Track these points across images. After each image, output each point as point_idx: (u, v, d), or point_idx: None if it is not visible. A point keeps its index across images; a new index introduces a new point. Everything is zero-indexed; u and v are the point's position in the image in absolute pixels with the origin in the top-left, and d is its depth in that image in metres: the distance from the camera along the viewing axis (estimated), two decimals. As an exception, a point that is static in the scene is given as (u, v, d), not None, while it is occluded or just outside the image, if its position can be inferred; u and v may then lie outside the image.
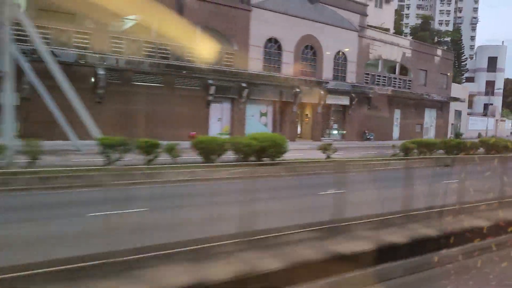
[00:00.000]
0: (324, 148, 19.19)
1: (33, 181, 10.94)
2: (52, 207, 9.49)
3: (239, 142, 16.24)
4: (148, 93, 23.60)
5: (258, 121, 29.57)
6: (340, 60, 34.22)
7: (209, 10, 26.03)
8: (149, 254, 5.28)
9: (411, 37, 51.39)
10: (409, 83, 41.33)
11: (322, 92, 31.84)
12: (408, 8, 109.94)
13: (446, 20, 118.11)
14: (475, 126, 57.91)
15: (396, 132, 40.59)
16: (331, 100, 33.04)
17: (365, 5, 35.84)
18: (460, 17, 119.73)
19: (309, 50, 31.89)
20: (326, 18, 32.35)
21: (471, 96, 63.82)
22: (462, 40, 68.09)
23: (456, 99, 47.14)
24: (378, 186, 10.74)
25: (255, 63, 28.28)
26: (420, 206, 8.14)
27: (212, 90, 25.75)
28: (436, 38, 59.20)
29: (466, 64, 67.72)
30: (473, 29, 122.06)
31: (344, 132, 35.41)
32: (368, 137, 36.26)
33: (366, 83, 36.40)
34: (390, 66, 40.29)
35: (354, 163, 16.31)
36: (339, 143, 26.78)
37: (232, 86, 27.00)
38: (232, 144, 16.21)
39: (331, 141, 23.98)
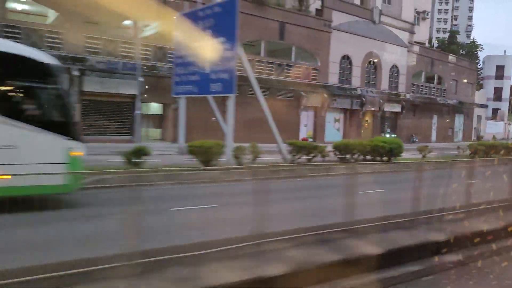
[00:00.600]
0: (421, 150, 23.92)
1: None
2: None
3: (367, 144, 20.87)
4: (256, 103, 28.09)
5: (332, 127, 34.28)
6: (394, 73, 39.17)
7: (301, 33, 30.69)
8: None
9: (439, 49, 56.70)
10: (444, 92, 46.48)
11: (381, 101, 36.70)
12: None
13: (443, 28, 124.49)
14: (490, 130, 63.49)
15: (434, 136, 45.65)
16: (387, 107, 37.93)
17: (413, 24, 40.90)
18: (455, 25, 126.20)
19: (371, 65, 36.77)
20: (384, 37, 37.26)
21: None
22: (477, 52, 73.84)
23: (482, 106, 52.52)
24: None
25: (333, 77, 33.01)
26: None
27: (304, 100, 30.41)
28: (461, 50, 64.78)
29: (481, 73, 73.35)
30: (468, 36, 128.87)
31: (395, 135, 40.26)
32: (414, 140, 41.18)
33: (413, 92, 41.39)
34: (429, 77, 45.38)
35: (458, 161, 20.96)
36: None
37: (316, 97, 31.68)
38: (362, 146, 20.84)
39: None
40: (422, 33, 49.45)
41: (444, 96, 46.27)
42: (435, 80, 45.68)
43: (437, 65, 45.32)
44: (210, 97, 18.96)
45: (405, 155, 22.91)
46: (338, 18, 32.99)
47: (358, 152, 20.34)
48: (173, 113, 24.46)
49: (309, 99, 31.03)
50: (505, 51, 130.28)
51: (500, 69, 77.26)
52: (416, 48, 41.82)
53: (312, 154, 19.04)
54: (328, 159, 19.54)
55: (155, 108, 27.36)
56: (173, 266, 4.62)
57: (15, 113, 7.93)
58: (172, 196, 10.27)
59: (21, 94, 8.34)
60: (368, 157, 20.70)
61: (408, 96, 39.62)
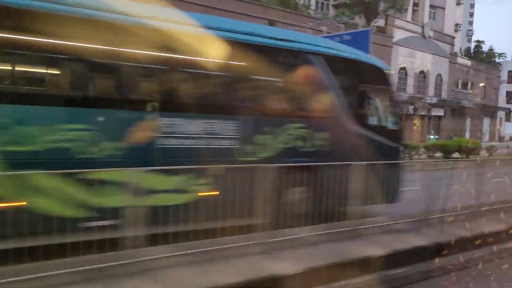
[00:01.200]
0: (488, 149, 28.41)
1: None
2: None
3: (456, 144, 25.28)
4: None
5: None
6: (438, 81, 43.81)
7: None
8: None
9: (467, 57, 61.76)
10: (475, 96, 51.27)
11: (429, 106, 41.29)
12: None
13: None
14: (508, 131, 68.49)
15: (467, 136, 50.33)
16: (433, 112, 42.54)
17: (453, 37, 45.60)
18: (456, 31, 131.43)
19: (422, 74, 41.37)
20: (432, 49, 41.87)
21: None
22: (494, 59, 79.02)
23: (504, 109, 57.45)
24: None
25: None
26: None
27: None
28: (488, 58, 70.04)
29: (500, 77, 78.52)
30: (469, 41, 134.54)
31: (437, 137, 44.88)
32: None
33: (452, 97, 46.09)
34: (464, 83, 50.15)
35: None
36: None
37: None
38: (453, 146, 25.20)
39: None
40: (456, 43, 54.27)
41: (475, 100, 51.02)
42: (469, 86, 50.44)
43: (470, 73, 50.08)
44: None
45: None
46: (397, 34, 37.51)
47: (449, 151, 24.81)
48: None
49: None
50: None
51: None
52: (455, 58, 46.53)
53: (413, 153, 23.53)
54: (423, 157, 23.98)
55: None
56: None
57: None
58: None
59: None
60: (455, 155, 25.17)
61: (449, 101, 44.27)
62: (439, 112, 43.60)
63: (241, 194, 5.33)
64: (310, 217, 6.04)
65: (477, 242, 6.33)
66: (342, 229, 5.96)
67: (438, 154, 24.42)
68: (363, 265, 5.15)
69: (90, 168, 4.98)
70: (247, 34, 6.74)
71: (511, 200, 8.69)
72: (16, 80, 5.19)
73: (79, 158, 5.13)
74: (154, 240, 4.75)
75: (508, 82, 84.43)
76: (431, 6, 43.41)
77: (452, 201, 7.30)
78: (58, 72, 5.51)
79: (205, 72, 6.27)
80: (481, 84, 52.51)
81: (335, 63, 7.48)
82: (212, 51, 5.86)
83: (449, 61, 45.06)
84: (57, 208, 4.78)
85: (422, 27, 40.33)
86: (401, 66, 38.63)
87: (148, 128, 5.47)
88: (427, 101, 40.71)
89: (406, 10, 38.33)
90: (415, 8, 42.32)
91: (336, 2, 39.83)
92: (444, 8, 44.51)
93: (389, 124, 8.43)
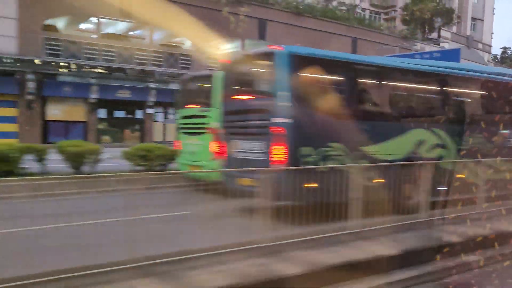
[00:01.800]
0: None
1: None
2: None
3: None
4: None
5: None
6: (478, 86, 48.06)
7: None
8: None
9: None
10: (507, 100, 55.51)
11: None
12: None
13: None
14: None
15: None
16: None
17: (490, 46, 49.93)
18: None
19: (466, 81, 45.59)
20: (473, 58, 46.09)
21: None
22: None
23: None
24: None
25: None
26: None
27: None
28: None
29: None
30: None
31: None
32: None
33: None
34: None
35: None
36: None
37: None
38: None
39: None
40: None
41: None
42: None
43: (503, 78, 54.38)
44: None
45: None
46: (446, 45, 41.76)
47: None
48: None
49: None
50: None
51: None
52: (492, 65, 50.83)
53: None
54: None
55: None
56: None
57: None
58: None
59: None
60: None
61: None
62: (480, 114, 47.85)
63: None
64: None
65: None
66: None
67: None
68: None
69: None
70: (488, 74, 10.82)
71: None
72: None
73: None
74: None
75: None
76: (472, 19, 47.70)
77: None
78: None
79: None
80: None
81: None
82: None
83: (487, 68, 49.37)
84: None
85: (467, 38, 44.59)
86: (450, 74, 42.85)
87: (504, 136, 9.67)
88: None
89: (455, 24, 42.62)
90: (458, 21, 46.65)
91: (388, 17, 44.17)
92: (483, 20, 48.81)
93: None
